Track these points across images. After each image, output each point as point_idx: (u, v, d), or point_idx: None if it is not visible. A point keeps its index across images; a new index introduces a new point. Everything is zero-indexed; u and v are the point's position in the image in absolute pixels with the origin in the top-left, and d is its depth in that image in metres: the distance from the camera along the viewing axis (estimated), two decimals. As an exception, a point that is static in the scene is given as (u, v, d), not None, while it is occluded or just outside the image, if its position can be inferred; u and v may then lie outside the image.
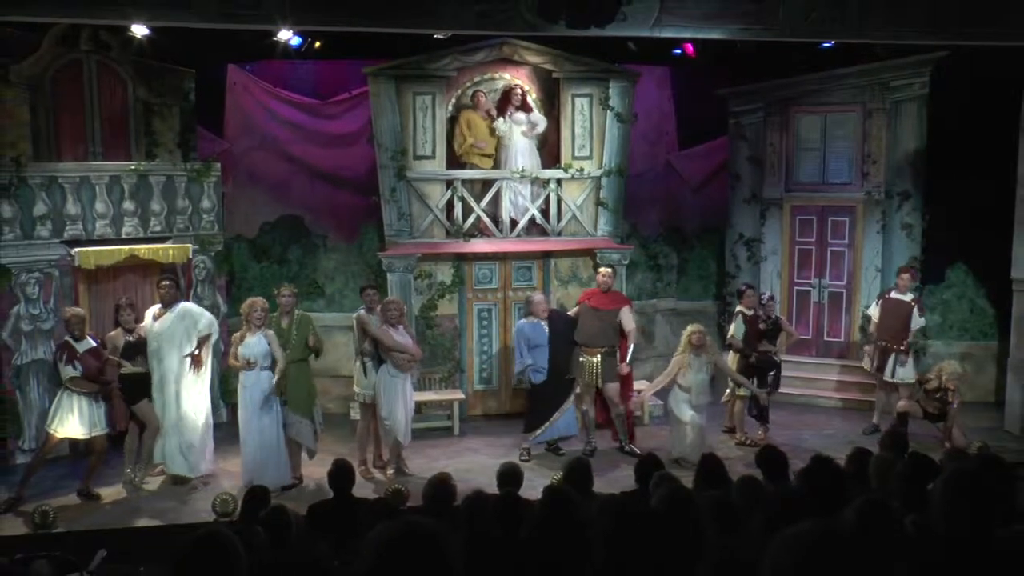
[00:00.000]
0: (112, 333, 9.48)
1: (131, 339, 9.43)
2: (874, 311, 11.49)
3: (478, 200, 11.91)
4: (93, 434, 9.15)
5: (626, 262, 12.08)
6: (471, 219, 11.90)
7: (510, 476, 6.07)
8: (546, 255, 12.07)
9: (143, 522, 8.61)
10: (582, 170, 12.08)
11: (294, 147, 12.82)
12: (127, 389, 9.46)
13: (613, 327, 10.47)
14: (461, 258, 11.89)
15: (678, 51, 12.38)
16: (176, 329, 9.64)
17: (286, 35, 10.81)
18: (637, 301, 12.24)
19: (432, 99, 11.72)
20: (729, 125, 13.39)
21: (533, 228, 12.17)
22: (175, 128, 11.43)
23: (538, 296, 10.83)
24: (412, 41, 11.33)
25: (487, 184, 11.99)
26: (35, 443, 10.20)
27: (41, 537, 7.93)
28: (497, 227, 11.99)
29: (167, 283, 9.76)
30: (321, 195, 12.89)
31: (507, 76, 12.13)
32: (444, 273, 11.83)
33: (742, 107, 13.24)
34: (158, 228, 11.02)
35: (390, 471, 9.92)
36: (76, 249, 10.40)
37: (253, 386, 9.39)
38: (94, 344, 9.23)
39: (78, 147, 10.82)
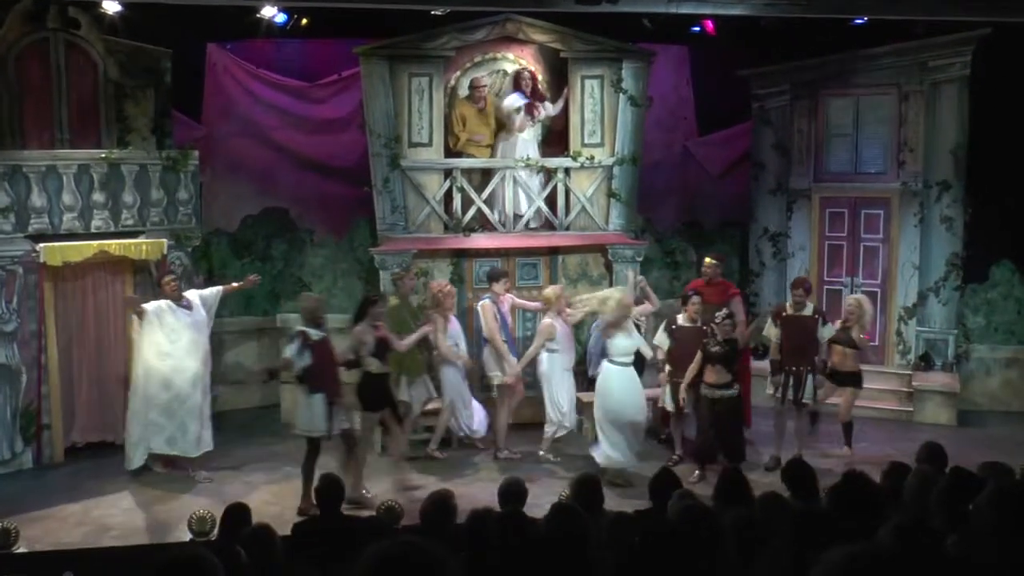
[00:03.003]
0: (359, 328, 9.51)
1: (378, 336, 9.46)
2: (771, 331, 10.50)
3: (479, 191, 11.89)
4: (335, 431, 9.34)
5: (640, 259, 12.05)
6: (471, 212, 11.87)
7: (513, 493, 6.05)
8: (553, 251, 12.04)
9: (113, 541, 8.59)
10: (592, 158, 12.05)
11: (279, 133, 12.82)
12: (367, 392, 9.48)
13: None
14: (461, 254, 11.87)
15: (697, 28, 12.36)
16: (203, 318, 10.26)
17: (270, 11, 10.80)
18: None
19: (429, 81, 11.69)
20: (752, 109, 13.37)
21: (539, 222, 12.15)
22: (149, 113, 11.40)
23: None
24: (407, 18, 11.31)
25: (489, 174, 11.97)
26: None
27: (1, 558, 7.91)
28: (500, 221, 11.97)
29: (172, 277, 10.32)
30: (308, 186, 12.89)
31: (510, 56, 12.11)
32: (442, 271, 11.79)
33: (766, 90, 13.21)
34: (130, 221, 11.00)
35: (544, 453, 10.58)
36: (41, 244, 10.38)
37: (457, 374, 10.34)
38: (323, 335, 9.34)
39: (44, 133, 10.78)
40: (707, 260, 11.29)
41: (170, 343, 10.06)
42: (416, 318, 10.52)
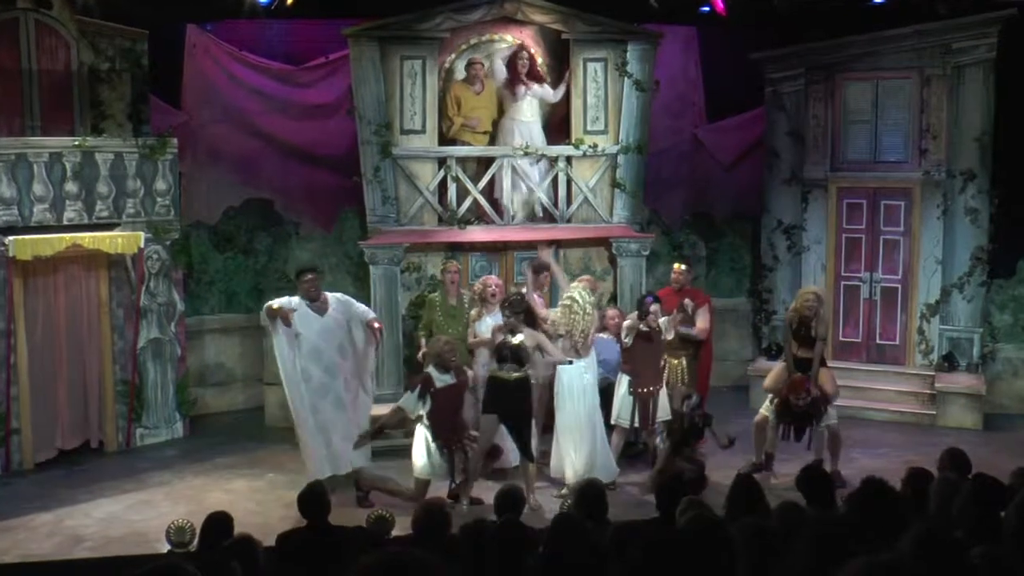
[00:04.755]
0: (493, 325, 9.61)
1: (513, 342, 9.31)
2: (767, 410, 10.28)
3: (475, 181, 11.88)
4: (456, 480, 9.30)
5: (646, 253, 12.04)
6: (467, 203, 11.86)
7: (510, 501, 6.04)
8: (554, 245, 12.03)
9: (87, 553, 8.58)
10: (595, 146, 12.04)
11: (262, 120, 12.79)
12: (490, 392, 9.40)
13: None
14: (456, 248, 11.86)
15: (706, 8, 12.34)
16: (334, 325, 9.67)
17: (253, -10, 10.79)
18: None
19: (422, 64, 11.67)
20: (765, 94, 13.33)
21: (539, 214, 12.13)
22: (125, 98, 11.41)
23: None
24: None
25: (485, 163, 11.95)
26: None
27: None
28: (497, 213, 11.95)
29: (312, 276, 9.74)
30: (294, 175, 12.87)
31: (508, 38, 12.09)
32: (436, 266, 11.78)
33: (780, 73, 13.17)
34: (105, 213, 10.98)
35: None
36: (10, 237, 10.35)
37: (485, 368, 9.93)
38: (450, 381, 9.25)
39: (13, 120, 10.79)
40: (676, 266, 11.18)
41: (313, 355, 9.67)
42: (454, 318, 10.48)
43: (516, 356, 9.31)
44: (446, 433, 9.19)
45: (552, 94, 12.04)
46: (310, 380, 9.52)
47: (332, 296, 9.76)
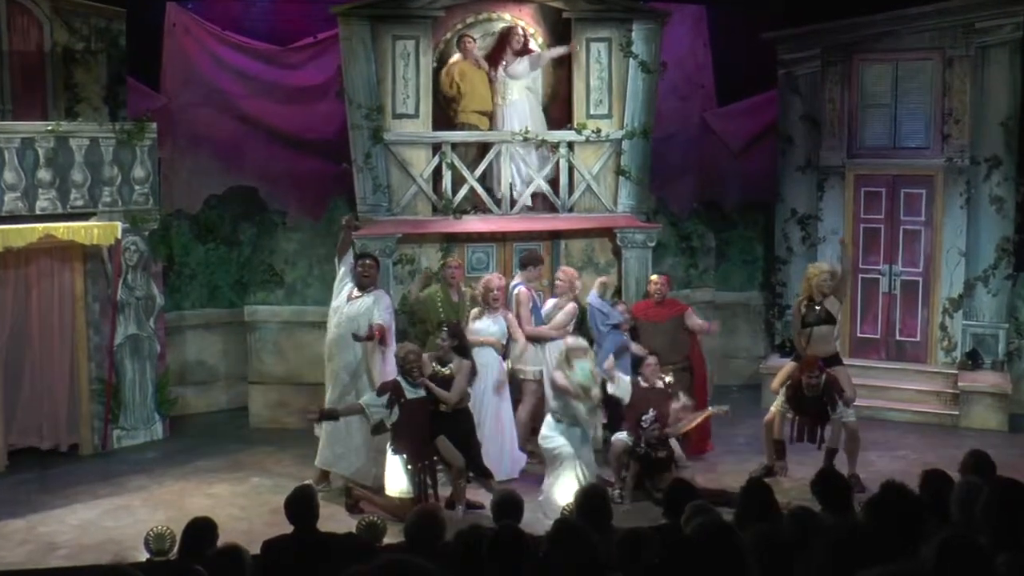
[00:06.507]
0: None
1: (444, 372, 9.50)
2: (779, 403, 10.24)
3: (472, 168, 11.86)
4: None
5: (653, 244, 12.02)
6: (463, 192, 11.85)
7: (509, 506, 6.04)
8: (555, 236, 12.02)
9: (61, 561, 8.58)
10: (599, 131, 12.03)
11: (247, 103, 12.79)
12: (433, 419, 9.41)
13: (681, 336, 10.78)
14: (451, 239, 11.85)
15: (716, -15, 12.35)
16: (364, 317, 9.94)
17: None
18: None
19: (415, 45, 11.66)
20: (778, 76, 13.34)
21: (539, 203, 12.13)
22: (101, 80, 11.40)
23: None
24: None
25: (483, 149, 11.95)
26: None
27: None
28: (495, 201, 11.95)
29: (369, 263, 10.12)
30: (280, 162, 12.86)
31: (507, 16, 12.07)
32: (430, 257, 11.78)
33: (794, 54, 13.18)
34: (80, 202, 10.96)
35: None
36: (-20, 228, 10.37)
37: (483, 368, 10.03)
38: (420, 395, 9.26)
39: (-18, 104, 10.80)
40: (653, 278, 11.19)
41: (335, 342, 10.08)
42: (455, 314, 10.48)
43: (445, 387, 9.43)
44: (415, 450, 9.18)
45: (549, 51, 11.98)
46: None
47: (378, 292, 10.12)
